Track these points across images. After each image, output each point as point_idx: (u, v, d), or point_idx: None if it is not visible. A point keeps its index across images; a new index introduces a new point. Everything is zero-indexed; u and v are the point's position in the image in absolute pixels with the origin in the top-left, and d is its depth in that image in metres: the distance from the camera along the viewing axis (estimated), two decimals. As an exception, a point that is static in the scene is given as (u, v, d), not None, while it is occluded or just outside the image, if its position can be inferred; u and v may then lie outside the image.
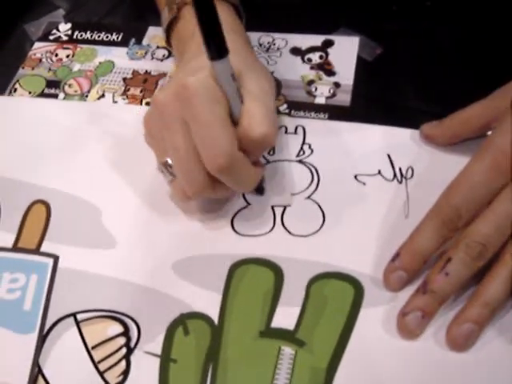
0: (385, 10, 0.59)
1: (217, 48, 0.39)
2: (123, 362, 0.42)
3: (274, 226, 0.46)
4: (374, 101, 0.53)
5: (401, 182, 0.47)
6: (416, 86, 0.53)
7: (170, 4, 0.51)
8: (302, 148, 0.50)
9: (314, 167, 0.49)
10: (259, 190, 0.48)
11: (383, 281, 0.42)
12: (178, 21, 0.51)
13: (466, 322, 0.39)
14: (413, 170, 0.47)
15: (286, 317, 0.42)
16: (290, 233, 0.46)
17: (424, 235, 0.41)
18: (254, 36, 0.59)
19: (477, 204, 0.40)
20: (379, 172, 0.48)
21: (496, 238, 0.39)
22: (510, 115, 0.41)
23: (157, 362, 0.41)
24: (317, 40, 0.58)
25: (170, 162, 0.44)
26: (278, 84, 0.55)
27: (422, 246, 0.41)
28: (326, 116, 0.52)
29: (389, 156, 0.48)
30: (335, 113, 0.52)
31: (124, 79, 0.58)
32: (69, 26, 0.64)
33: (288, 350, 0.41)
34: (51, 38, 0.63)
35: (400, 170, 0.48)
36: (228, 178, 0.42)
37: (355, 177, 0.48)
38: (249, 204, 0.47)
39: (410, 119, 0.50)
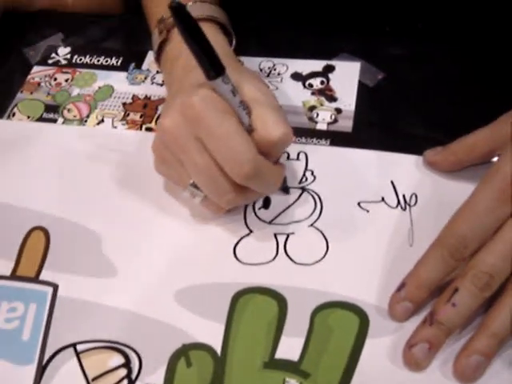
0: (378, 31, 0.59)
1: (213, 67, 0.40)
2: (124, 395, 0.41)
3: (277, 254, 0.46)
4: (375, 126, 0.52)
5: (405, 209, 0.47)
6: (418, 112, 0.52)
7: (160, 26, 0.52)
8: (304, 174, 0.50)
9: (316, 194, 0.48)
10: (285, 189, 0.48)
11: (389, 311, 0.42)
12: (167, 42, 0.52)
13: (474, 354, 0.38)
14: (416, 197, 0.47)
15: (290, 347, 0.41)
16: (293, 261, 0.45)
17: (429, 265, 0.41)
18: (255, 61, 0.59)
19: (483, 233, 0.40)
20: (383, 199, 0.47)
21: (503, 268, 0.39)
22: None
23: (158, 394, 0.41)
24: (318, 65, 0.57)
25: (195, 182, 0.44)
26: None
27: (428, 277, 0.41)
28: (328, 142, 0.52)
29: (392, 183, 0.48)
30: (337, 139, 0.52)
31: (124, 104, 0.57)
32: (68, 49, 0.64)
33: (293, 382, 0.40)
34: (50, 61, 0.63)
35: (404, 196, 0.47)
36: (255, 183, 0.42)
37: (358, 204, 0.47)
38: (251, 232, 0.47)
39: (412, 145, 0.50)
